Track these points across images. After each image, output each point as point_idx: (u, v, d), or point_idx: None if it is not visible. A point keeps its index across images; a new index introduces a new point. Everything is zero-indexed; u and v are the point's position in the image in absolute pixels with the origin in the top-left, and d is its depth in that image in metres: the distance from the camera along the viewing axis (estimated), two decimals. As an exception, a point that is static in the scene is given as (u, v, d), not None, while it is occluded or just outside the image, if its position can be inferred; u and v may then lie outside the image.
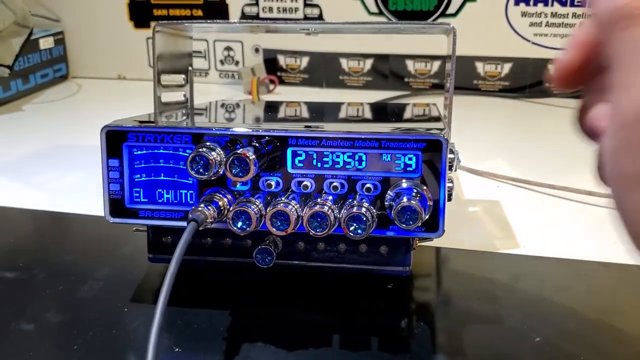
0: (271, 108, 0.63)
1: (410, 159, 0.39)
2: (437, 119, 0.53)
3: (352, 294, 0.44)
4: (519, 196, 0.62)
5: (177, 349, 0.39)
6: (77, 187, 0.65)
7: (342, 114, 0.58)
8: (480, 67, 0.98)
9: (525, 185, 0.63)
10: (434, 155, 0.39)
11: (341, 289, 0.45)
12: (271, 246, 0.41)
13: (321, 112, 0.59)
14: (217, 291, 0.45)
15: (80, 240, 0.56)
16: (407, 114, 0.60)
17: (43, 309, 0.43)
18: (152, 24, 1.08)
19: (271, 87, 1.03)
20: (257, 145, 0.40)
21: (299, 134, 0.40)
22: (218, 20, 0.49)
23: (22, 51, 0.99)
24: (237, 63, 1.07)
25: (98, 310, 0.43)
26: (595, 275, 0.47)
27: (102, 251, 0.52)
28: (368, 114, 0.57)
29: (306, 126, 0.42)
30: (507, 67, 0.98)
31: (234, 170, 0.38)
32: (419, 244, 0.45)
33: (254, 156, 0.38)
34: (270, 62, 1.05)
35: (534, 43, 0.95)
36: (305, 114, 0.59)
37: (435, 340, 0.40)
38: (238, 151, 0.38)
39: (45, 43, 1.06)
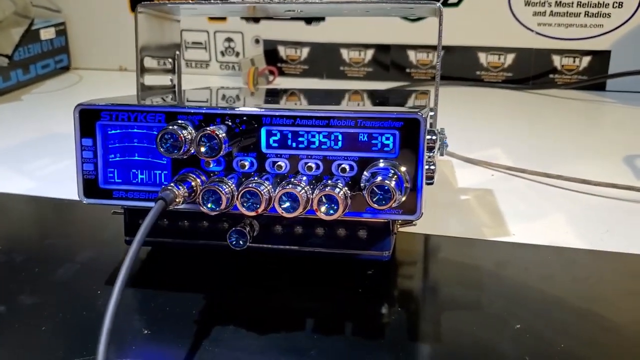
0: (259, 93, 0.62)
1: (387, 138, 0.38)
2: (425, 103, 0.51)
3: (331, 279, 0.43)
4: (513, 185, 0.60)
5: (146, 332, 0.38)
6: (65, 174, 0.65)
7: (327, 97, 0.57)
8: (482, 57, 0.97)
9: (520, 174, 0.62)
10: (411, 134, 0.38)
11: (319, 274, 0.44)
12: (246, 228, 0.40)
13: (308, 95, 0.58)
14: (192, 275, 0.44)
15: (63, 224, 0.55)
16: (405, 99, 0.58)
17: (17, 291, 0.42)
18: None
19: (271, 78, 1.02)
20: (230, 124, 0.39)
21: (273, 113, 0.39)
22: (202, 1, 0.48)
23: (22, 41, 0.99)
24: (237, 54, 1.07)
25: (72, 293, 0.42)
26: (582, 263, 0.45)
27: (84, 235, 0.52)
28: (354, 97, 0.56)
29: (279, 106, 0.41)
30: (510, 57, 0.96)
31: (203, 149, 0.37)
32: (400, 228, 0.44)
33: (224, 134, 0.37)
34: (271, 53, 1.05)
35: (537, 33, 0.93)
36: (290, 97, 0.58)
37: (414, 327, 0.39)
38: (207, 128, 0.37)
39: (47, 34, 1.06)
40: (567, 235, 0.50)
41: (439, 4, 0.46)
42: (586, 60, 0.93)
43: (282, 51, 1.04)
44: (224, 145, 0.37)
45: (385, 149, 0.38)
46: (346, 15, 0.50)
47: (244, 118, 0.39)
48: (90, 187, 0.42)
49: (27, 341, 0.37)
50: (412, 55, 0.99)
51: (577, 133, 0.77)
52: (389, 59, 1.00)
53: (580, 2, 0.90)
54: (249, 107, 0.40)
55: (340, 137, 0.39)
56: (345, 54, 1.02)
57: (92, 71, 1.14)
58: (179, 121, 0.39)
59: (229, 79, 1.07)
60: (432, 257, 0.48)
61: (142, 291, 0.42)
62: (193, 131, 0.38)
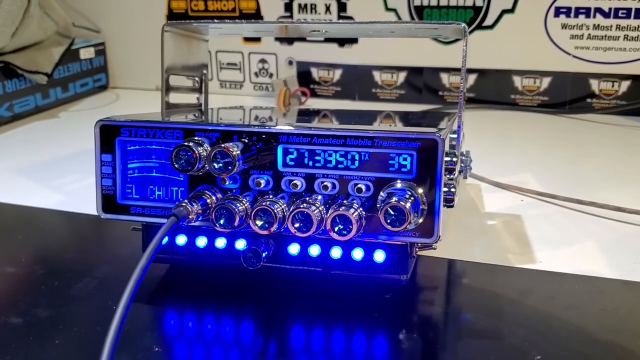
0: (290, 113, 0.62)
1: (404, 159, 0.37)
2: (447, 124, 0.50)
3: (347, 301, 0.42)
4: (543, 211, 0.58)
5: (157, 349, 0.37)
6: (90, 189, 0.65)
7: (358, 118, 0.56)
8: (517, 81, 0.95)
9: (551, 199, 0.60)
10: (429, 155, 0.37)
11: (335, 296, 0.43)
12: (261, 247, 0.40)
13: (339, 116, 0.58)
14: (207, 293, 0.44)
15: (85, 239, 0.55)
16: (438, 121, 0.57)
17: (35, 303, 0.43)
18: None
19: (303, 99, 1.02)
20: (246, 141, 0.38)
21: (290, 131, 0.39)
22: (227, 20, 0.49)
23: (62, 60, 1.01)
24: (271, 75, 1.07)
25: (88, 307, 0.42)
26: (612, 294, 0.43)
27: (103, 250, 0.52)
28: (385, 121, 0.55)
29: (297, 124, 0.40)
30: (546, 81, 0.94)
31: (216, 165, 0.37)
32: (420, 252, 0.43)
33: (238, 151, 0.36)
34: (304, 75, 1.05)
35: (574, 56, 0.91)
36: (312, 116, 0.57)
37: (429, 355, 0.37)
38: (222, 145, 0.36)
39: (86, 53, 1.09)
40: (597, 264, 0.48)
41: (463, 24, 0.45)
42: (625, 84, 0.90)
43: (315, 73, 1.05)
44: (237, 162, 0.36)
45: (403, 169, 0.37)
46: (372, 36, 0.49)
47: (261, 136, 0.39)
48: (108, 202, 0.42)
49: (40, 354, 0.37)
50: (444, 78, 0.98)
51: (614, 159, 0.75)
52: (421, 82, 1.00)
53: (619, 25, 0.88)
54: (266, 125, 0.39)
55: (357, 157, 0.38)
56: (377, 76, 1.01)
57: (129, 90, 1.16)
58: (196, 138, 0.39)
59: (262, 99, 1.08)
60: (453, 283, 0.47)
61: (155, 308, 0.42)
62: (209, 148, 0.38)
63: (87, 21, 1.13)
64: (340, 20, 0.46)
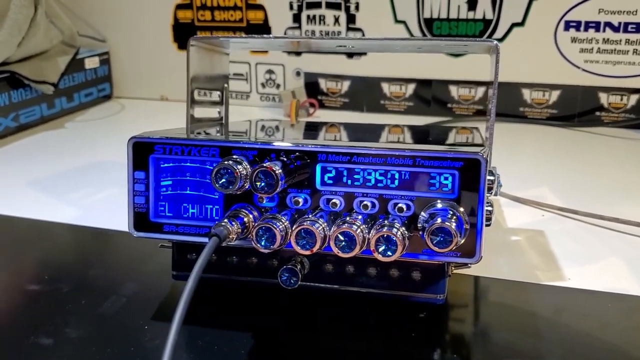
0: (306, 127, 0.61)
1: (446, 178, 0.37)
2: (479, 139, 0.50)
3: (383, 321, 0.42)
4: (566, 226, 0.58)
5: (195, 371, 0.37)
6: (108, 203, 0.65)
7: (378, 133, 0.56)
8: (527, 93, 0.95)
9: (573, 215, 0.60)
10: (471, 175, 0.37)
11: (371, 316, 0.42)
12: (297, 267, 0.39)
13: (357, 131, 0.57)
14: (240, 312, 0.43)
15: (108, 255, 0.55)
16: (446, 135, 0.57)
17: (64, 323, 0.42)
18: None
19: (311, 110, 1.02)
20: (285, 160, 0.38)
21: (329, 150, 0.38)
22: (254, 35, 0.48)
23: (68, 70, 1.01)
24: (278, 86, 1.07)
25: (118, 327, 0.42)
26: (647, 312, 0.43)
27: (129, 267, 0.51)
28: (406, 134, 0.55)
29: (337, 142, 0.40)
30: (555, 94, 0.94)
31: (259, 184, 0.36)
32: (454, 270, 0.42)
33: (280, 170, 0.36)
34: (312, 86, 1.05)
35: (584, 70, 0.92)
36: (339, 132, 0.57)
37: (470, 375, 0.37)
38: (264, 164, 0.36)
39: (91, 63, 1.08)
40: (625, 281, 0.48)
41: (495, 42, 0.45)
42: (634, 98, 0.91)
43: (323, 84, 1.04)
44: (280, 182, 0.36)
45: (444, 189, 0.37)
46: (398, 51, 0.49)
47: (299, 154, 0.39)
48: (140, 220, 0.41)
49: (74, 377, 0.36)
50: (453, 90, 0.98)
51: (627, 173, 0.75)
52: (430, 94, 1.00)
53: (629, 39, 0.88)
54: (305, 143, 0.39)
55: (397, 176, 0.38)
56: (386, 87, 1.01)
57: (133, 100, 1.15)
58: (234, 156, 0.38)
59: (269, 110, 1.07)
60: (485, 301, 0.46)
61: (188, 328, 0.41)
62: (248, 166, 0.37)
63: (92, 30, 1.12)
64: (369, 37, 0.46)
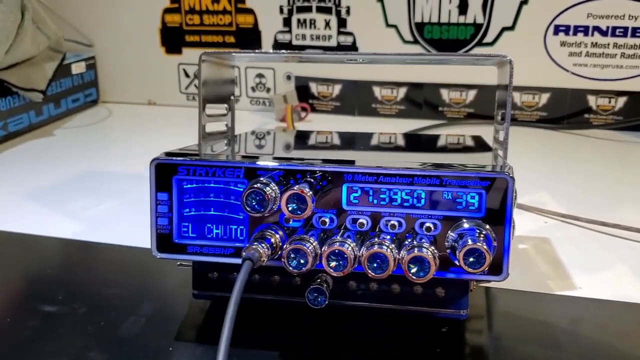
0: (311, 139, 0.61)
1: (472, 197, 0.38)
2: (488, 150, 0.51)
3: (406, 336, 0.42)
4: (569, 233, 0.59)
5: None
6: (110, 216, 0.64)
7: (388, 146, 0.56)
8: (517, 96, 0.97)
9: (575, 221, 0.61)
10: (498, 194, 0.37)
11: (394, 332, 0.43)
12: (323, 285, 0.40)
13: (371, 145, 0.58)
14: (264, 330, 0.43)
15: (121, 272, 0.54)
16: (458, 147, 0.58)
17: (85, 346, 0.42)
18: (184, 49, 1.08)
19: (303, 114, 1.02)
20: (311, 180, 0.38)
21: (355, 170, 0.39)
22: (268, 51, 0.48)
23: (55, 76, 0.99)
24: (268, 90, 1.07)
25: (142, 349, 0.41)
26: (661, 321, 0.45)
27: (145, 285, 0.51)
28: (421, 147, 0.56)
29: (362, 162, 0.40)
30: (544, 97, 0.96)
31: (290, 208, 0.36)
32: (476, 285, 0.43)
33: (310, 192, 0.36)
34: (302, 90, 1.05)
35: (573, 73, 0.93)
36: (354, 147, 0.57)
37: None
38: (295, 188, 0.36)
39: (77, 68, 1.06)
40: (635, 289, 0.49)
41: (509, 57, 0.45)
42: (622, 100, 0.93)
43: (314, 88, 1.05)
44: (312, 204, 0.36)
45: (470, 207, 0.38)
46: (408, 63, 0.49)
47: (326, 174, 0.39)
48: (163, 241, 0.41)
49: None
50: (445, 93, 0.99)
51: (619, 176, 0.77)
52: (421, 97, 1.00)
53: (617, 43, 0.90)
54: (330, 164, 0.39)
55: (423, 195, 0.38)
56: (377, 91, 1.02)
57: (120, 105, 1.14)
58: (262, 178, 0.38)
59: (259, 114, 1.07)
60: (501, 313, 0.47)
61: (213, 348, 0.41)
62: (276, 188, 0.37)
63: (78, 34, 1.11)
64: (380, 52, 0.46)
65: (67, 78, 1.04)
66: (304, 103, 1.03)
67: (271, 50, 0.47)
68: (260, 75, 1.06)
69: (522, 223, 0.62)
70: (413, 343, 0.41)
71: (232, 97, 0.57)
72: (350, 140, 0.60)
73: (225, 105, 0.57)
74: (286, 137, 0.65)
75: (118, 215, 0.64)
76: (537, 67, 0.94)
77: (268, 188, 0.37)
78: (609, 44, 0.90)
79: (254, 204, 0.37)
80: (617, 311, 0.46)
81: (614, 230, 0.59)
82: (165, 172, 0.41)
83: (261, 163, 0.39)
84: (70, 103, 1.05)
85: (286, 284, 0.43)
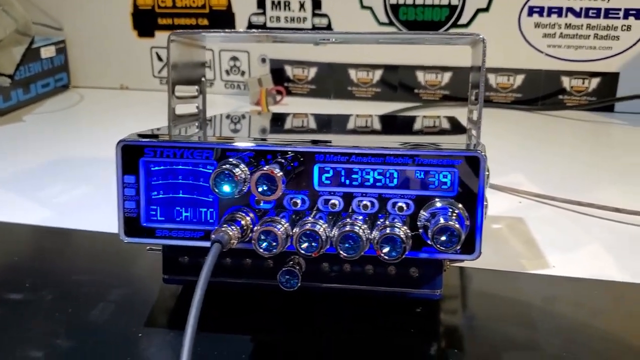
0: (285, 121, 0.60)
1: (445, 176, 0.37)
2: (462, 131, 0.51)
3: (380, 318, 0.42)
4: (544, 213, 0.60)
5: (197, 379, 0.36)
6: (82, 202, 0.63)
7: (363, 128, 0.55)
8: (492, 78, 0.97)
9: (549, 201, 0.61)
10: (471, 172, 0.37)
11: (367, 313, 0.42)
12: (295, 267, 0.39)
13: (343, 125, 0.57)
14: (237, 314, 0.42)
15: (90, 258, 0.53)
16: (431, 128, 0.57)
17: (53, 333, 0.40)
18: (157, 33, 1.06)
19: (278, 98, 1.01)
20: (282, 161, 0.37)
21: (327, 150, 0.38)
22: (235, 30, 0.47)
23: (23, 60, 0.96)
24: (243, 73, 1.05)
25: (111, 335, 0.40)
26: (634, 298, 0.45)
27: (113, 271, 0.50)
28: (394, 128, 0.55)
29: (330, 142, 0.39)
30: (519, 78, 0.96)
31: (260, 189, 0.35)
32: (450, 265, 0.43)
33: (280, 173, 0.35)
34: (277, 73, 1.03)
35: (547, 54, 0.93)
36: (326, 128, 0.57)
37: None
38: (265, 168, 0.35)
39: (47, 52, 1.04)
40: (608, 267, 0.49)
41: (482, 36, 0.45)
42: (595, 81, 0.93)
43: (289, 71, 1.03)
44: (282, 185, 0.35)
45: (443, 186, 0.37)
46: (382, 43, 0.49)
47: (297, 155, 0.38)
48: (131, 225, 0.40)
49: (74, 392, 0.35)
50: (420, 76, 0.99)
51: (593, 156, 0.77)
52: (397, 80, 1.00)
53: (590, 24, 0.90)
54: (301, 144, 0.38)
55: (396, 175, 0.38)
56: (353, 74, 1.01)
57: (92, 90, 1.12)
58: (231, 159, 0.37)
59: (234, 98, 1.06)
60: (476, 292, 0.47)
61: (178, 333, 0.41)
62: (246, 169, 0.37)
63: (47, 18, 1.08)
64: (353, 31, 0.45)
65: (36, 62, 1.02)
66: (279, 86, 1.02)
67: (242, 30, 0.46)
68: (234, 59, 1.05)
69: (497, 203, 0.62)
70: (387, 324, 0.41)
71: (203, 79, 0.56)
72: (325, 122, 0.59)
73: (196, 87, 0.56)
74: (260, 120, 0.64)
75: (88, 201, 0.63)
76: (511, 48, 0.94)
77: (237, 169, 0.36)
78: (582, 25, 0.91)
79: (223, 185, 0.36)
80: (591, 289, 0.46)
81: (589, 209, 0.59)
82: (132, 154, 0.39)
83: (231, 144, 0.38)
84: (40, 88, 1.03)
85: (258, 267, 0.42)
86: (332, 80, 1.02)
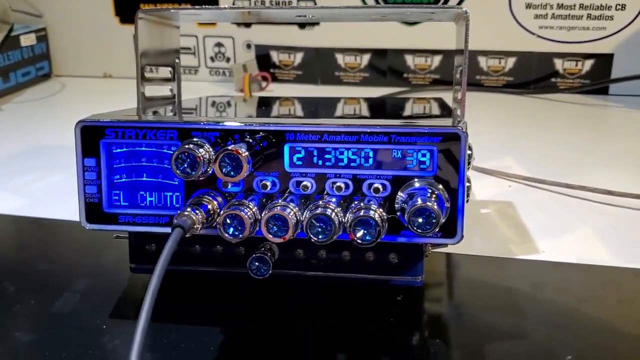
0: (265, 104, 0.58)
1: (423, 155, 0.35)
2: (448, 112, 0.48)
3: (359, 306, 0.40)
4: (533, 197, 0.57)
5: (162, 372, 0.34)
6: (55, 190, 0.61)
7: (343, 108, 0.53)
8: (483, 61, 0.94)
9: (540, 185, 0.59)
10: (451, 150, 0.35)
11: (345, 301, 0.40)
12: (267, 254, 0.37)
13: (320, 106, 0.55)
14: (206, 305, 0.40)
15: (57, 248, 0.51)
16: (415, 108, 0.55)
17: (12, 326, 0.38)
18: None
19: (264, 84, 0.98)
20: (250, 141, 0.35)
21: (298, 128, 0.36)
22: (207, 6, 0.45)
23: (2, 48, 0.94)
24: (228, 60, 1.03)
25: (74, 328, 0.38)
26: (624, 284, 0.43)
27: (81, 261, 0.47)
28: (373, 108, 0.53)
29: (305, 120, 0.37)
30: (511, 61, 0.93)
31: (224, 169, 0.33)
32: (431, 250, 0.41)
33: (247, 153, 0.33)
34: (263, 59, 1.01)
35: (539, 36, 0.91)
36: (302, 109, 0.54)
37: (453, 359, 0.35)
38: (229, 147, 0.33)
39: (27, 40, 1.01)
40: (598, 252, 0.47)
41: (465, 9, 0.42)
42: (589, 63, 0.91)
43: (275, 56, 1.01)
44: (247, 165, 0.33)
45: (422, 166, 0.35)
46: (361, 20, 0.46)
47: (266, 134, 0.36)
48: (93, 211, 0.38)
49: (28, 388, 0.33)
50: (409, 60, 0.96)
51: (586, 140, 0.75)
52: (385, 64, 0.97)
53: (583, 4, 0.88)
54: (270, 122, 0.36)
55: (371, 154, 0.35)
56: (340, 59, 0.99)
57: (74, 78, 1.09)
58: (195, 139, 0.35)
59: (219, 85, 1.03)
60: (462, 279, 0.45)
61: (152, 325, 0.38)
62: (211, 149, 0.34)
63: (26, 4, 1.05)
64: (331, 5, 0.43)
65: (15, 50, 0.99)
66: (264, 72, 0.99)
67: (213, 6, 0.44)
68: (219, 45, 1.02)
69: (485, 187, 0.60)
70: (366, 313, 0.39)
71: (177, 61, 0.54)
72: (310, 104, 0.57)
73: (170, 69, 0.53)
74: (241, 103, 0.61)
75: (62, 189, 0.61)
76: (502, 30, 0.92)
77: (202, 150, 0.34)
78: (575, 5, 0.88)
79: (185, 166, 0.34)
80: (579, 275, 0.44)
81: (580, 192, 0.57)
82: (92, 135, 0.37)
83: (195, 123, 0.36)
84: (20, 77, 1.00)
85: (229, 254, 0.40)
86: (319, 65, 1.00)
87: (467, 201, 0.37)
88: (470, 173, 0.62)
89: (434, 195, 0.34)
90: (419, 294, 0.41)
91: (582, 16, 0.88)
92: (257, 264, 0.36)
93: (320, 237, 0.33)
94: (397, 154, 0.35)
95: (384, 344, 0.36)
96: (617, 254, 0.46)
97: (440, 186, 0.35)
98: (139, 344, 0.26)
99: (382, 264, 0.39)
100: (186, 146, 0.34)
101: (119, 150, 0.37)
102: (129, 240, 0.41)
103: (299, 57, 1.00)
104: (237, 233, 0.34)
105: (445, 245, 0.39)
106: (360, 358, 0.35)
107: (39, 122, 0.85)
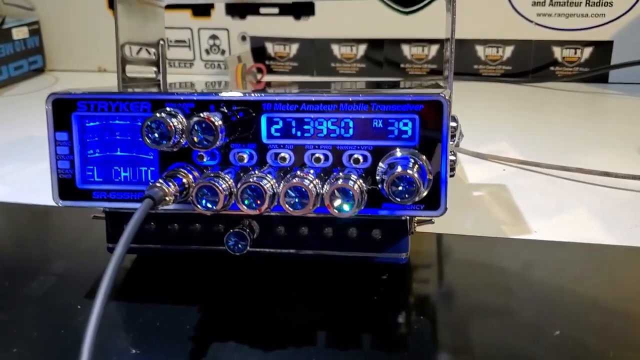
0: (255, 86, 0.57)
1: (405, 124, 0.34)
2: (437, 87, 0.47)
3: (342, 285, 0.38)
4: (528, 179, 0.56)
5: (134, 351, 0.33)
6: (40, 178, 0.60)
7: (328, 86, 0.52)
8: (480, 50, 0.93)
9: (535, 168, 0.58)
10: (433, 119, 0.33)
11: (329, 280, 0.39)
12: (246, 230, 0.36)
13: (305, 85, 0.53)
14: (184, 285, 0.39)
15: (37, 232, 0.50)
16: (404, 84, 0.54)
17: (-16, 308, 0.37)
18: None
19: (259, 76, 0.97)
20: (226, 111, 0.34)
21: (275, 98, 0.34)
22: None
23: (-6, 41, 0.93)
24: (223, 52, 1.02)
25: (47, 308, 0.37)
26: (618, 262, 0.41)
27: (60, 243, 0.46)
28: (358, 85, 0.51)
29: (282, 90, 0.36)
30: (508, 50, 0.92)
31: (196, 138, 0.32)
32: (417, 227, 0.39)
33: (220, 122, 0.32)
34: (258, 51, 1.00)
35: (537, 24, 0.89)
36: (290, 86, 0.53)
37: (439, 338, 0.34)
38: (202, 115, 0.32)
39: (19, 33, 1.00)
40: (592, 231, 0.45)
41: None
42: (588, 51, 0.89)
43: (270, 48, 1.00)
44: (220, 135, 0.32)
45: (403, 136, 0.34)
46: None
47: (242, 104, 0.34)
48: (66, 187, 0.37)
49: (-6, 366, 0.32)
50: (406, 49, 0.95)
51: (584, 127, 0.73)
52: (382, 55, 0.96)
53: (581, -9, 0.86)
54: (247, 93, 0.35)
55: (351, 124, 0.34)
56: (336, 49, 0.97)
57: (68, 73, 1.08)
58: (167, 109, 0.34)
59: (214, 78, 1.02)
60: (450, 259, 0.43)
61: (127, 305, 0.37)
62: (184, 120, 0.33)
63: (19, -2, 1.05)
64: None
65: (7, 44, 0.98)
66: (259, 64, 0.98)
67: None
68: (214, 37, 1.01)
69: (480, 171, 0.58)
70: (349, 292, 0.38)
71: (161, 42, 0.52)
72: (302, 85, 0.56)
73: (154, 50, 0.52)
74: (230, 84, 0.60)
75: (45, 178, 0.59)
76: (500, 18, 0.90)
77: (174, 120, 0.33)
78: (573, -8, 0.87)
79: (155, 136, 0.32)
80: (571, 253, 0.42)
81: (573, 174, 0.55)
82: (64, 108, 0.36)
83: (169, 94, 0.35)
84: (12, 70, 1.00)
85: (208, 231, 0.38)
86: (315, 56, 0.99)
87: (452, 175, 0.36)
88: (463, 158, 0.61)
89: (416, 166, 0.32)
90: (405, 274, 0.40)
91: (580, 3, 0.87)
92: (234, 239, 0.35)
93: (296, 208, 0.32)
94: (378, 123, 0.34)
95: (368, 323, 0.35)
96: (612, 234, 0.45)
97: (424, 157, 0.34)
98: (97, 315, 0.25)
99: (365, 240, 0.37)
100: (157, 114, 0.32)
101: (91, 124, 0.36)
102: (105, 220, 0.40)
103: (294, 49, 0.99)
104: (210, 205, 0.33)
105: (431, 220, 0.38)
106: (343, 338, 0.33)
107: (28, 114, 0.84)
